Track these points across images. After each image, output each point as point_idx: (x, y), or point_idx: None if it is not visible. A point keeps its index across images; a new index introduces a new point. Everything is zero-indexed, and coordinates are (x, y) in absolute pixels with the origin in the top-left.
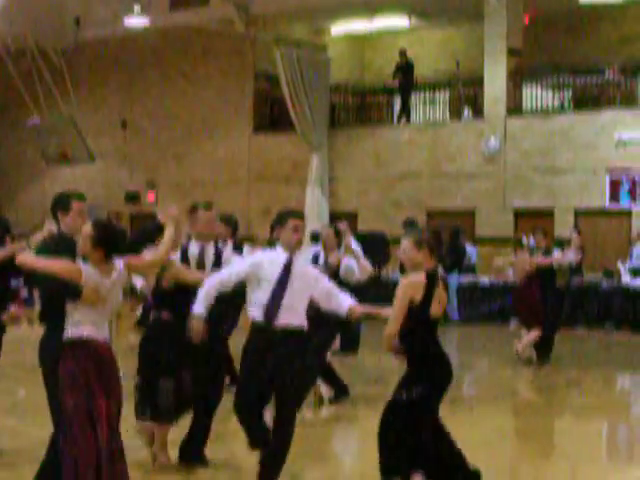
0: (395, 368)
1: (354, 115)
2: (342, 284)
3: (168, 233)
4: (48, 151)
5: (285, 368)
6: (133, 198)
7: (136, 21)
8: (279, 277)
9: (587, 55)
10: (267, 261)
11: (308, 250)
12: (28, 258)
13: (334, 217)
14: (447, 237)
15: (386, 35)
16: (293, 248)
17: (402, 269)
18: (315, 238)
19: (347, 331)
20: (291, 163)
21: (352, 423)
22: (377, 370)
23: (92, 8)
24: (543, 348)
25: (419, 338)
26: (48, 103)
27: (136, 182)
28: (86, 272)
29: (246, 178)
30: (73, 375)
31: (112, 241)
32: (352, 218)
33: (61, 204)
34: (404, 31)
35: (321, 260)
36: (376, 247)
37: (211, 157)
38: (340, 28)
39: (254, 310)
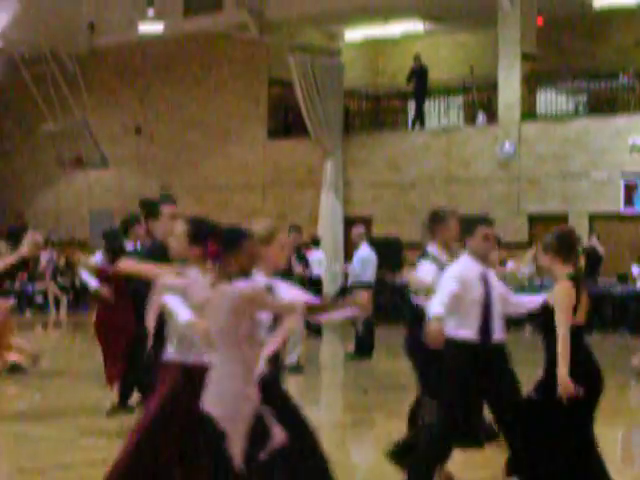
0: (410, 372)
1: (368, 120)
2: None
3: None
4: (62, 157)
5: (504, 381)
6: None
7: (150, 27)
8: (485, 291)
9: (601, 60)
10: (462, 275)
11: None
12: (129, 264)
13: (348, 222)
14: None
15: (400, 40)
16: (484, 258)
17: None
18: (317, 243)
19: None
20: (305, 168)
21: (368, 428)
22: (392, 375)
23: (106, 14)
24: None
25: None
26: (63, 109)
27: (151, 188)
28: (191, 276)
29: (261, 183)
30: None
31: (210, 237)
32: (366, 223)
33: (151, 211)
34: (418, 36)
35: None
36: (390, 252)
37: (226, 162)
38: (354, 33)
39: (459, 329)
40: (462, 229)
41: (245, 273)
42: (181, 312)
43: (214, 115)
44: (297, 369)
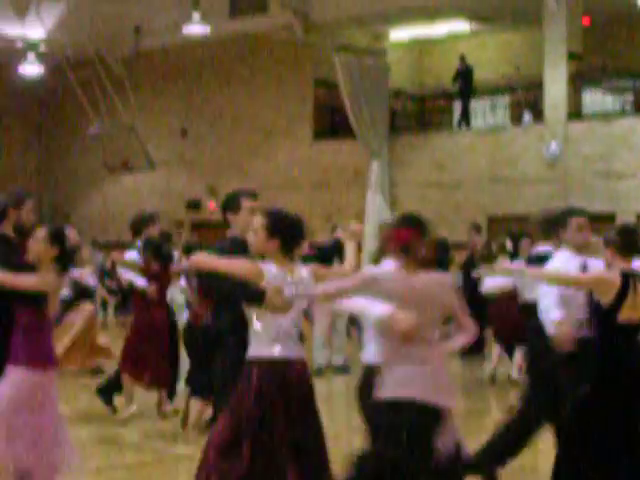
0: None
1: (414, 120)
2: None
3: (350, 250)
4: (109, 159)
5: None
6: (194, 206)
7: (196, 29)
8: None
9: None
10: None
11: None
12: (203, 258)
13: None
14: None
15: (445, 40)
16: (581, 248)
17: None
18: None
19: None
20: (351, 169)
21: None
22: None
23: (152, 17)
24: None
25: (609, 347)
26: (109, 112)
27: (197, 190)
28: (268, 271)
29: (307, 185)
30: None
31: (289, 230)
32: None
33: (231, 204)
34: (463, 36)
35: None
36: (437, 252)
37: (271, 164)
38: (399, 34)
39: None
40: (555, 222)
41: (430, 262)
42: (375, 308)
43: (260, 116)
44: (344, 369)
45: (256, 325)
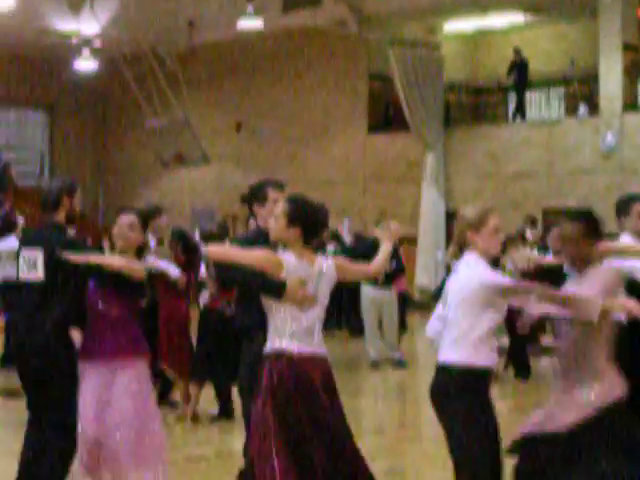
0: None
1: (468, 113)
2: None
3: (386, 248)
4: (164, 154)
5: None
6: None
7: (249, 24)
8: None
9: None
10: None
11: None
12: (218, 249)
13: (450, 216)
14: None
15: (500, 32)
16: None
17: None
18: (336, 237)
19: None
20: (406, 162)
21: None
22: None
23: (206, 11)
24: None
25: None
26: (163, 107)
27: (251, 184)
28: (288, 262)
29: (361, 178)
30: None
31: (311, 219)
32: None
33: (257, 195)
34: (517, 28)
35: None
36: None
37: (326, 158)
38: (453, 26)
39: None
40: (617, 209)
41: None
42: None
43: (314, 110)
44: (401, 364)
45: (275, 318)
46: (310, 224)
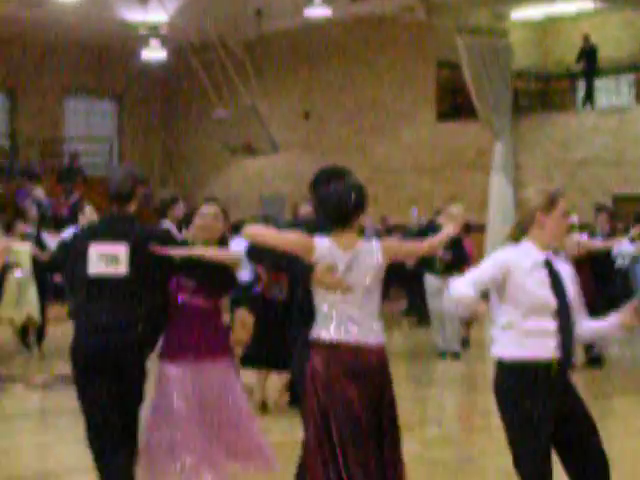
0: None
1: (537, 101)
2: None
3: (446, 231)
4: (232, 143)
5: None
6: None
7: (317, 12)
8: None
9: None
10: None
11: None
12: (255, 230)
13: (519, 204)
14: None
15: (568, 19)
16: None
17: None
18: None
19: None
20: (475, 150)
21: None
22: None
23: (273, 0)
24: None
25: None
26: (231, 95)
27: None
28: (321, 247)
29: (430, 166)
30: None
31: (330, 205)
32: None
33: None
34: (586, 14)
35: None
36: None
37: (395, 145)
38: (521, 13)
39: None
40: None
41: None
42: None
43: (383, 98)
44: (456, 355)
45: (320, 305)
46: (330, 210)
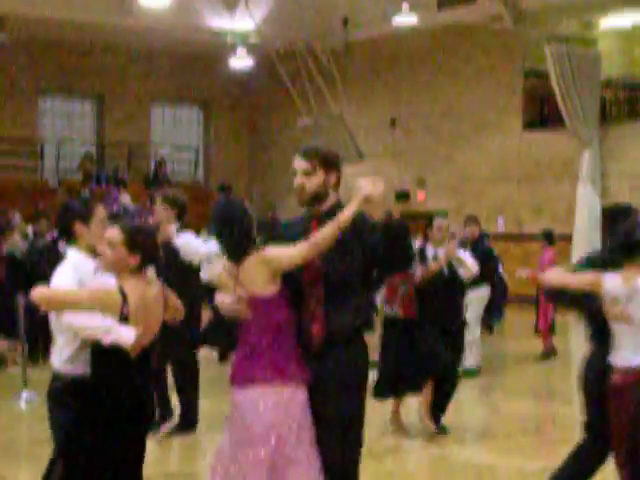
0: None
1: (625, 110)
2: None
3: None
4: None
5: None
6: (403, 197)
7: (405, 20)
8: None
9: None
10: None
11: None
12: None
13: None
14: None
15: None
16: None
17: None
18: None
19: None
20: (562, 159)
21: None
22: None
23: (360, 8)
24: None
25: None
26: (318, 103)
27: (405, 181)
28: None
29: (516, 175)
30: None
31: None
32: None
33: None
34: None
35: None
36: None
37: (481, 155)
38: (610, 22)
39: None
40: None
41: None
42: None
43: (469, 107)
44: (476, 373)
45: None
46: None
